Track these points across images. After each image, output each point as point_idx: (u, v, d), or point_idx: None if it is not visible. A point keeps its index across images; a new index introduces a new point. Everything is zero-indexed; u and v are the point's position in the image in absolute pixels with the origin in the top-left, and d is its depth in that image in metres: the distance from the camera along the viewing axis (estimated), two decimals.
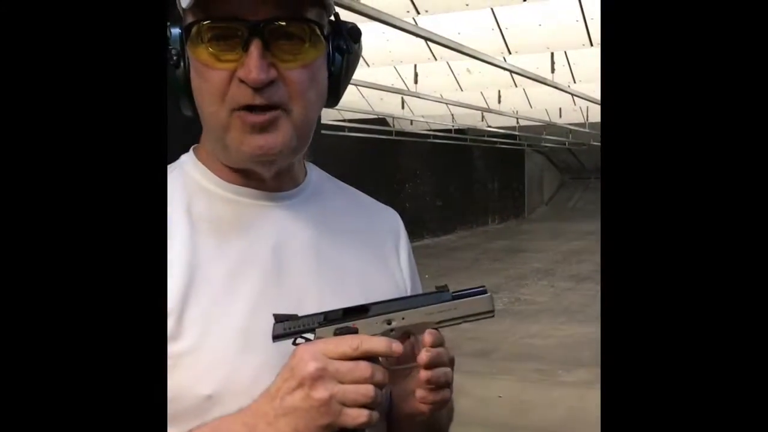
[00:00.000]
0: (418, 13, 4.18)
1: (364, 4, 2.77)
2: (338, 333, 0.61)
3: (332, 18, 0.72)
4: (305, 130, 0.70)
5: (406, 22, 3.22)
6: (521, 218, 19.11)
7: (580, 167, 20.08)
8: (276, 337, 0.62)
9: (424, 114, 9.31)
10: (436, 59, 5.67)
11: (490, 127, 10.93)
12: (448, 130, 12.33)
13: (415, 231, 13.62)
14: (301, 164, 0.78)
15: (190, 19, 0.66)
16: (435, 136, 12.41)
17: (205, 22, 0.65)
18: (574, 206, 19.53)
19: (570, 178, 20.75)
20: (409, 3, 4.07)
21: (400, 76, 6.58)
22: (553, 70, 5.66)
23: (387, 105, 8.29)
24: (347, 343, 0.60)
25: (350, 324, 0.62)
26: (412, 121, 10.34)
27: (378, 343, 0.60)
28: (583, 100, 6.97)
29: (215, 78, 0.65)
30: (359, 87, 6.26)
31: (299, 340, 0.62)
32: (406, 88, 6.49)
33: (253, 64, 0.63)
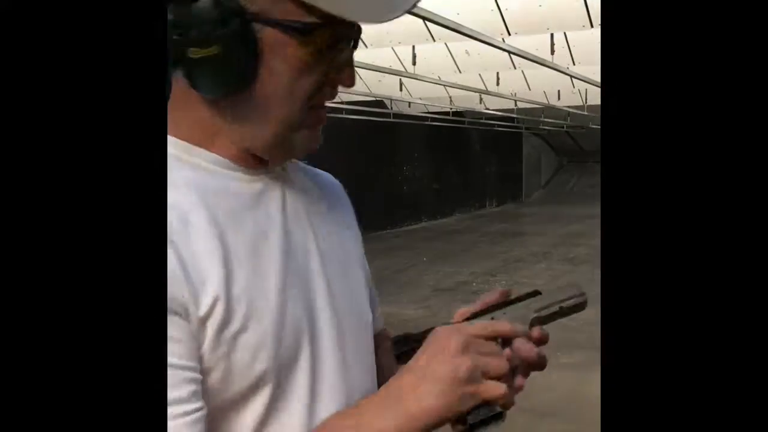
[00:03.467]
0: None
1: None
2: None
3: None
4: None
5: None
6: (519, 201, 19.11)
7: (579, 150, 20.04)
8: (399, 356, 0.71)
9: (422, 96, 9.26)
10: (434, 40, 5.61)
11: (488, 109, 10.89)
12: (446, 113, 12.28)
13: (413, 214, 13.61)
14: None
15: (296, 17, 0.63)
16: (433, 119, 12.36)
17: (327, 27, 0.63)
18: (572, 189, 19.53)
19: (568, 162, 20.72)
20: None
21: (398, 57, 6.53)
22: (552, 52, 5.61)
23: (385, 87, 8.24)
24: (480, 325, 0.67)
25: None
26: (410, 103, 10.29)
27: (503, 326, 0.67)
28: (582, 83, 6.93)
29: (312, 79, 0.66)
30: (357, 68, 6.21)
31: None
32: (404, 70, 6.44)
33: (353, 70, 0.69)
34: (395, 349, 0.72)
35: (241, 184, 0.71)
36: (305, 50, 0.64)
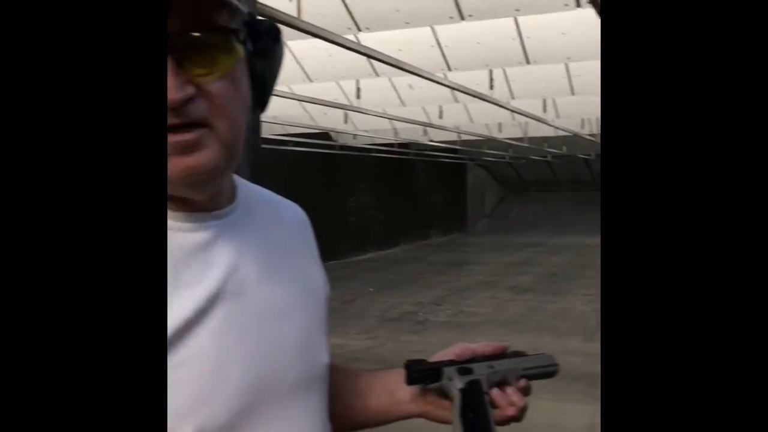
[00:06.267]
0: (359, 30, 4.24)
1: (306, 22, 2.80)
2: (460, 371, 0.80)
3: (247, 19, 0.65)
4: (233, 145, 0.64)
5: (347, 39, 3.27)
6: (464, 231, 19.37)
7: (520, 180, 20.53)
8: (412, 382, 0.80)
9: (367, 128, 9.38)
10: (378, 75, 5.74)
11: (432, 141, 11.09)
12: (391, 144, 12.45)
13: (359, 245, 13.63)
14: (232, 178, 0.74)
15: None
16: (378, 150, 12.50)
17: None
18: (515, 219, 19.93)
19: (510, 192, 21.18)
20: (350, 20, 4.13)
21: (342, 91, 6.63)
22: (491, 87, 5.81)
23: (330, 119, 8.32)
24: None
25: (467, 365, 0.81)
26: (355, 135, 10.40)
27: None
28: (522, 116, 7.17)
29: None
30: (302, 102, 6.29)
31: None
32: (348, 103, 6.54)
33: (167, 83, 0.56)
34: (408, 378, 0.79)
35: (181, 234, 0.65)
36: None
